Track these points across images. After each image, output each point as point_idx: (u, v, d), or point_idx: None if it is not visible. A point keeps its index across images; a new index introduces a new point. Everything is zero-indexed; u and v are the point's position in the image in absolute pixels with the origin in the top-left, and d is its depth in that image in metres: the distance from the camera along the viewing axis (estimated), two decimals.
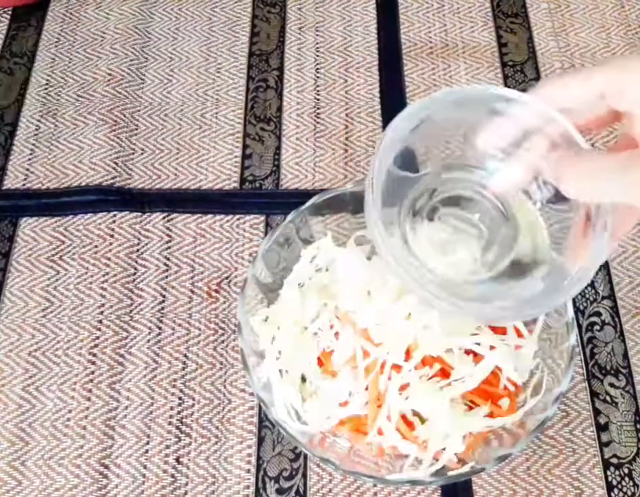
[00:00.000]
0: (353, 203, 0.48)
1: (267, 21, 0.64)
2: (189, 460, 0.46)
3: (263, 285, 0.46)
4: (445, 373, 0.42)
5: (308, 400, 0.43)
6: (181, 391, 0.48)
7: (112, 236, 0.54)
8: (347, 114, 0.59)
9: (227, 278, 0.52)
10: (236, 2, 0.65)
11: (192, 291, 0.51)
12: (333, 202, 0.47)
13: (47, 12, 0.65)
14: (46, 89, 0.61)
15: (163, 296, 0.51)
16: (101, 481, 0.45)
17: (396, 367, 0.42)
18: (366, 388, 0.42)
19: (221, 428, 0.47)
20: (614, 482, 0.45)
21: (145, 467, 0.46)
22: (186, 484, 0.45)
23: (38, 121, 0.59)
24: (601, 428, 0.46)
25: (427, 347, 0.41)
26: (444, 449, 0.41)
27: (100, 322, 0.50)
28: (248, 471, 0.45)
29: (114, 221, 0.54)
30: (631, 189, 0.26)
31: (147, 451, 0.46)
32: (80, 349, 0.49)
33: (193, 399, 0.48)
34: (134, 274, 0.52)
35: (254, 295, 0.45)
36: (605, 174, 0.27)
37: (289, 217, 0.46)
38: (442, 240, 0.35)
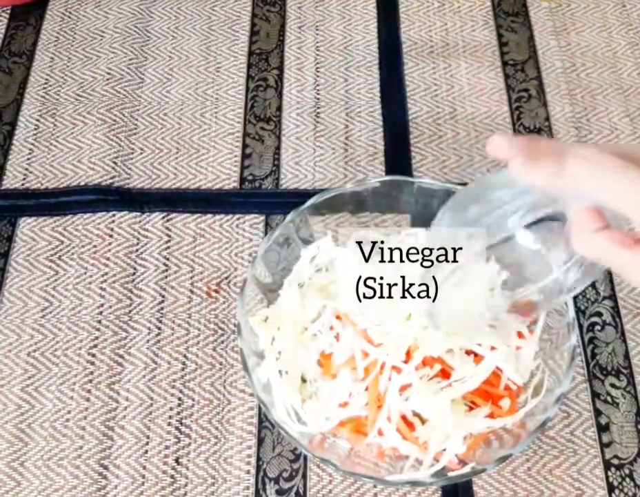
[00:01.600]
0: (353, 203, 0.48)
1: (267, 20, 0.64)
2: (188, 460, 0.46)
3: (263, 285, 0.46)
4: (445, 373, 0.42)
5: (308, 401, 0.43)
6: (181, 391, 0.48)
7: (111, 236, 0.54)
8: (347, 114, 0.59)
9: (226, 278, 0.52)
10: (235, 1, 0.65)
11: (192, 291, 0.51)
12: (333, 202, 0.47)
13: (46, 10, 0.65)
14: (45, 88, 0.61)
15: (163, 296, 0.51)
16: (100, 482, 0.45)
17: (397, 368, 0.41)
18: (366, 389, 0.42)
19: (220, 429, 0.47)
20: (615, 483, 0.44)
21: (144, 468, 0.46)
22: (185, 485, 0.45)
23: (37, 120, 0.59)
24: (602, 428, 0.46)
25: (427, 348, 0.41)
26: (445, 450, 0.41)
27: (99, 322, 0.50)
28: (248, 472, 0.45)
29: (113, 221, 0.54)
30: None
31: (146, 452, 0.46)
32: (79, 349, 0.49)
33: (192, 399, 0.48)
34: (133, 274, 0.52)
35: (253, 295, 0.45)
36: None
37: (289, 217, 0.46)
38: None
